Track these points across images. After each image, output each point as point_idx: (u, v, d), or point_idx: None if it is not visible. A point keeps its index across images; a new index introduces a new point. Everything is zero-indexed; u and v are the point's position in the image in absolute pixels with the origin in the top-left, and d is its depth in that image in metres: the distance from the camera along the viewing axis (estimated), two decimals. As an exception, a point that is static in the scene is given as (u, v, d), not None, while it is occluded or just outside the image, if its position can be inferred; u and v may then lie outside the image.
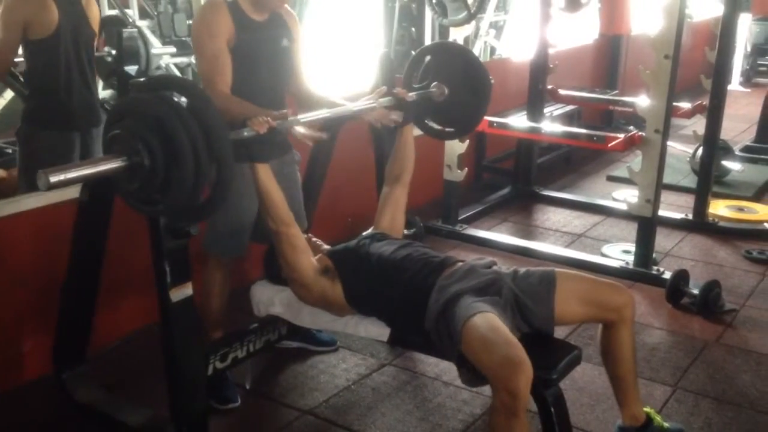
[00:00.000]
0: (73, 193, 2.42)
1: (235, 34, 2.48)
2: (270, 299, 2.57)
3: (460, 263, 2.36)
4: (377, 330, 2.36)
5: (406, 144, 2.72)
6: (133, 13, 5.96)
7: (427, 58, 2.98)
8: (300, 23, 2.80)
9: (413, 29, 6.64)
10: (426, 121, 3.01)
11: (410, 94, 2.74)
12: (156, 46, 5.57)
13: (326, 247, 2.53)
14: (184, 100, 1.85)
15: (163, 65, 5.73)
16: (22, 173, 3.32)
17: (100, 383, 2.67)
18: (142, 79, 2.05)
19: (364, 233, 2.56)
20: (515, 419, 1.90)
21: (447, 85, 2.85)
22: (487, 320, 2.02)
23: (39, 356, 2.74)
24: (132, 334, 3.13)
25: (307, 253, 2.36)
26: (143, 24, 5.77)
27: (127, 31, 4.04)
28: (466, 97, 2.88)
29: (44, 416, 2.67)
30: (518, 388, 1.87)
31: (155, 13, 6.31)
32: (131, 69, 3.84)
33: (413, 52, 3.24)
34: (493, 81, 2.94)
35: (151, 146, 1.76)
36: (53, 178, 1.65)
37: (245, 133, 2.11)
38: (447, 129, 3.05)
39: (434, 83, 2.86)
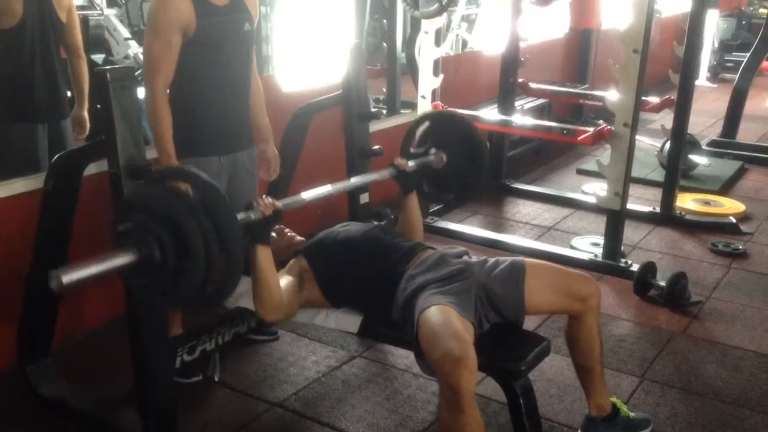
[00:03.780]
0: (37, 183, 2.38)
1: (195, 20, 2.42)
2: (239, 291, 2.55)
3: (431, 250, 2.36)
4: (347, 321, 2.35)
5: (413, 212, 2.68)
6: (100, 1, 5.86)
7: (425, 124, 2.93)
8: (271, 11, 2.78)
9: (385, 21, 6.62)
10: (423, 186, 2.96)
11: (410, 164, 2.69)
12: (124, 34, 5.48)
13: (299, 238, 2.53)
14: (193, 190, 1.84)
15: (131, 54, 5.64)
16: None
17: (65, 376, 2.63)
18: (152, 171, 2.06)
19: (339, 224, 2.55)
20: (460, 414, 1.88)
21: (445, 152, 2.81)
22: (441, 313, 2.02)
23: (4, 349, 2.69)
24: (98, 327, 3.10)
25: (292, 304, 2.26)
26: (111, 12, 5.68)
27: (93, 19, 3.97)
28: (464, 163, 2.84)
29: (9, 409, 2.62)
30: (458, 384, 1.85)
31: (123, 1, 6.22)
32: (98, 57, 3.77)
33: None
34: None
35: (162, 241, 1.75)
36: (66, 279, 1.63)
37: (252, 216, 2.06)
38: (445, 195, 3.03)
39: (432, 150, 2.82)
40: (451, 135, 2.85)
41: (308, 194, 2.35)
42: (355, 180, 2.70)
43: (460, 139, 2.85)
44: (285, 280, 2.28)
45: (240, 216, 1.99)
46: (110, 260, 1.74)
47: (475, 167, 2.87)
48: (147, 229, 1.76)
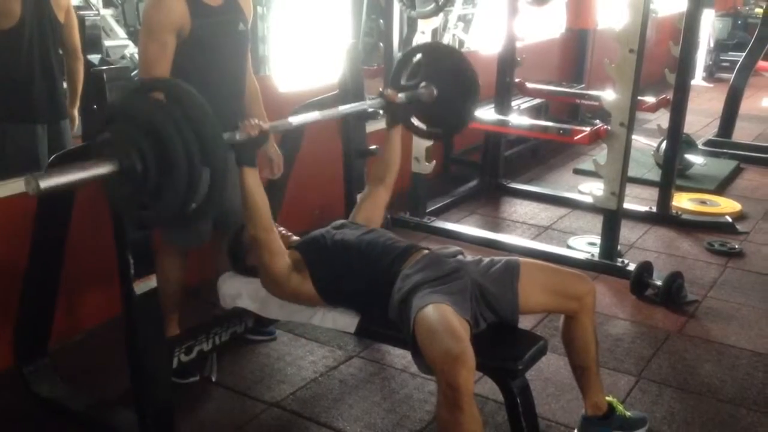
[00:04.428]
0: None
1: (190, 20, 2.42)
2: (237, 292, 2.55)
3: (426, 251, 2.36)
4: (345, 321, 2.35)
5: (393, 146, 2.70)
6: (97, 1, 5.86)
7: (417, 56, 2.92)
8: (268, 11, 2.79)
9: (381, 21, 6.62)
10: (413, 121, 2.97)
11: (399, 95, 2.69)
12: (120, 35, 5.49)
13: (295, 237, 2.53)
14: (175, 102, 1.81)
15: (128, 55, 5.65)
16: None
17: (62, 377, 2.63)
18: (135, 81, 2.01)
19: (333, 222, 2.56)
20: (459, 412, 1.89)
21: (436, 86, 2.79)
22: (438, 312, 2.03)
23: (1, 349, 2.68)
24: (95, 327, 3.09)
25: (283, 256, 2.33)
26: (107, 12, 5.68)
27: (89, 19, 3.97)
28: (454, 98, 2.83)
29: (6, 409, 2.62)
30: (457, 382, 1.86)
31: (120, 2, 6.22)
32: (94, 58, 3.77)
33: (400, 53, 3.21)
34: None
35: (143, 151, 1.71)
36: (43, 184, 1.60)
37: (237, 137, 2.08)
38: (434, 129, 3.03)
39: (423, 83, 2.80)
40: (443, 68, 2.84)
41: (295, 119, 2.37)
42: (343, 108, 2.65)
43: (452, 72, 2.83)
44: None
45: (225, 136, 1.99)
46: (90, 169, 1.71)
47: (465, 101, 2.86)
48: (128, 139, 1.73)
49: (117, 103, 1.92)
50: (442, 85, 2.81)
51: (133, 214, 1.90)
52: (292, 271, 2.33)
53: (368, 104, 2.62)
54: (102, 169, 1.72)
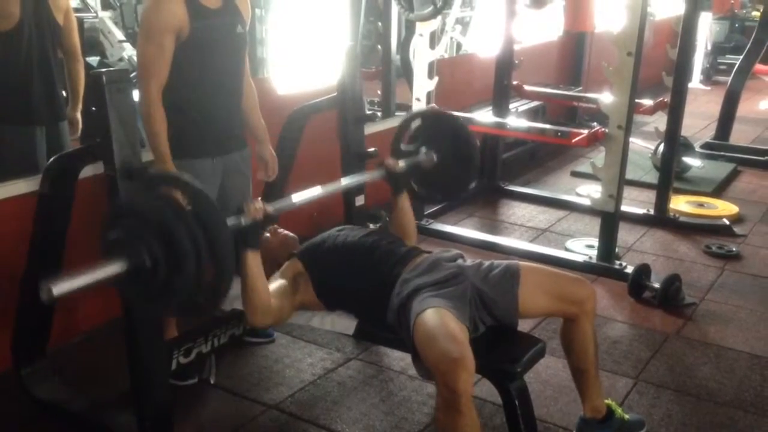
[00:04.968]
0: (34, 185, 2.38)
1: (188, 23, 2.43)
2: (236, 293, 2.54)
3: (426, 254, 2.37)
4: (343, 324, 2.36)
5: (404, 212, 2.67)
6: (95, 3, 5.86)
7: (416, 122, 2.92)
8: (267, 13, 2.80)
9: (380, 24, 6.62)
10: (412, 185, 2.93)
11: (400, 164, 2.67)
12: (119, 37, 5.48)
13: (292, 236, 2.54)
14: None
15: (126, 57, 5.64)
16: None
17: (61, 379, 2.62)
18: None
19: (336, 227, 2.56)
20: (458, 415, 1.90)
21: (436, 152, 2.79)
22: (437, 315, 2.03)
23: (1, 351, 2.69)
24: (94, 329, 3.09)
25: (285, 309, 2.28)
26: (106, 15, 5.67)
27: (88, 22, 3.97)
28: (454, 164, 2.82)
29: (4, 411, 2.61)
30: (456, 385, 1.87)
31: (118, 4, 6.22)
32: (92, 60, 3.78)
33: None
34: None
35: (153, 250, 1.73)
36: (57, 291, 1.63)
37: (242, 221, 2.06)
38: (433, 194, 3.01)
39: (423, 149, 2.80)
40: (442, 134, 2.84)
41: (298, 196, 2.35)
42: (345, 181, 2.68)
43: (451, 137, 2.83)
44: (277, 285, 2.29)
45: (230, 221, 1.99)
46: (101, 271, 1.73)
47: (465, 167, 2.86)
48: (137, 237, 1.74)
49: (125, 201, 1.96)
50: (441, 150, 2.79)
51: (143, 307, 1.94)
52: (294, 293, 2.31)
53: (369, 176, 2.64)
54: (113, 270, 1.74)
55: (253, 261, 2.10)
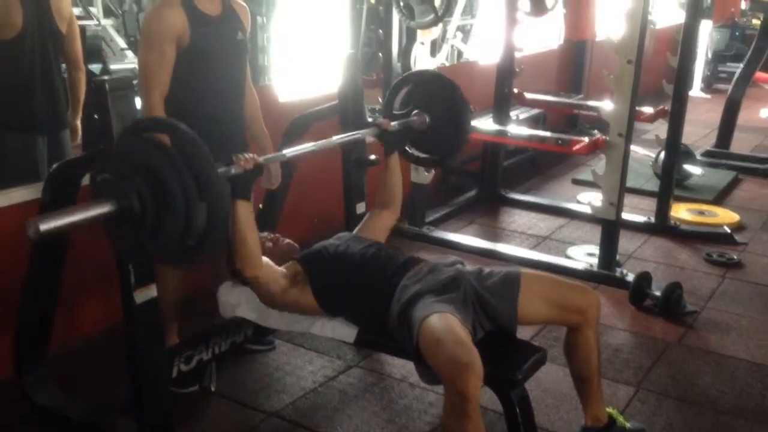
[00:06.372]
0: (35, 193, 2.38)
1: (189, 30, 2.45)
2: (237, 301, 2.55)
3: (425, 262, 2.37)
4: (344, 331, 2.36)
5: (393, 173, 2.72)
6: (97, 11, 5.88)
7: (408, 86, 2.95)
8: (268, 21, 2.81)
9: (381, 31, 6.64)
10: (406, 148, 2.98)
11: (392, 123, 2.72)
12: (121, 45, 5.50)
13: (294, 245, 2.55)
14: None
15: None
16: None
17: (62, 386, 2.62)
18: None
19: (336, 235, 2.57)
20: (466, 420, 1.90)
21: (428, 114, 2.82)
22: (443, 320, 2.03)
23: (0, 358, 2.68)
24: (95, 336, 3.09)
25: (276, 281, 2.32)
26: (108, 23, 5.69)
27: (90, 29, 3.98)
28: (446, 123, 2.86)
29: (5, 418, 2.61)
30: (466, 389, 1.87)
31: (120, 12, 6.24)
32: (95, 67, 3.79)
33: (393, 82, 3.24)
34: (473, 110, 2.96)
35: (141, 191, 1.75)
36: (44, 226, 1.64)
37: (232, 170, 2.08)
38: (428, 156, 3.04)
39: (415, 111, 2.84)
40: (434, 96, 2.87)
41: (290, 150, 2.39)
42: (336, 138, 2.67)
43: (443, 100, 2.86)
44: (270, 263, 2.33)
45: (221, 170, 2.00)
46: (88, 210, 1.75)
47: (457, 129, 2.88)
48: (125, 179, 1.76)
49: (112, 146, 1.96)
50: (433, 113, 2.84)
51: (132, 252, 1.93)
52: (289, 286, 2.33)
53: (363, 133, 2.66)
54: (100, 210, 1.76)
55: (244, 212, 2.16)
